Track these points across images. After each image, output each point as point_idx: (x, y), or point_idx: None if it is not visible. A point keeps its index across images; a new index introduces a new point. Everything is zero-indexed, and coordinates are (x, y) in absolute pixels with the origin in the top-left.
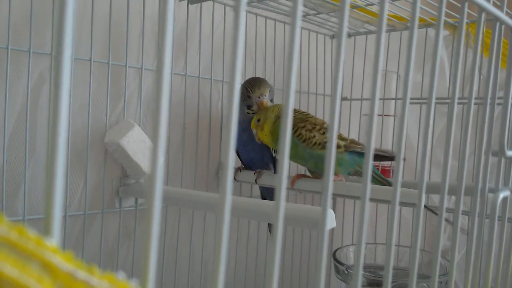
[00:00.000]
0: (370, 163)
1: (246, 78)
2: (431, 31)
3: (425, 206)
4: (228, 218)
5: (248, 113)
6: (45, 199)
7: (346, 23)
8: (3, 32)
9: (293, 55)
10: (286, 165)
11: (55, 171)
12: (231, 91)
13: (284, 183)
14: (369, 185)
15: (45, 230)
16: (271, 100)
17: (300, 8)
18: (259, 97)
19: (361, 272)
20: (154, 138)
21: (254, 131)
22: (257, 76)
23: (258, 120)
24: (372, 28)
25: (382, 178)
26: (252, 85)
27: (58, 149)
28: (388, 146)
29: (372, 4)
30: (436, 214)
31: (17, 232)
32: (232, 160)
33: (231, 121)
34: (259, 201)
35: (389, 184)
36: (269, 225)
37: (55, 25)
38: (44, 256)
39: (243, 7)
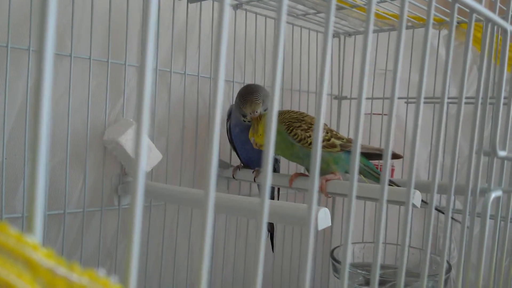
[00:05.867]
0: (357, 161)
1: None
2: (431, 31)
3: (422, 201)
4: (212, 213)
5: (244, 121)
6: (28, 197)
7: (332, 19)
8: (3, 30)
9: (278, 46)
10: (270, 159)
11: (37, 168)
12: (215, 89)
13: (269, 177)
14: (355, 183)
15: (27, 227)
16: (266, 110)
17: (285, 4)
18: (250, 113)
19: (347, 270)
20: (138, 120)
21: (251, 139)
22: (255, 82)
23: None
24: (372, 27)
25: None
26: (245, 100)
27: (40, 145)
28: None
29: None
30: (426, 203)
31: None
32: (216, 157)
33: (215, 119)
34: (250, 198)
35: (389, 182)
36: (271, 230)
37: (37, 20)
38: (25, 253)
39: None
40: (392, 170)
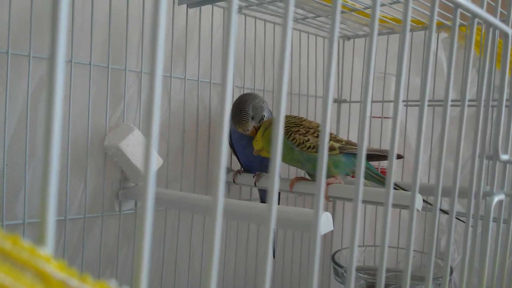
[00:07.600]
0: (362, 166)
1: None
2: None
3: (424, 201)
4: (220, 218)
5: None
6: (40, 208)
7: (337, 24)
8: (3, 36)
9: (285, 54)
10: (278, 164)
11: (49, 182)
12: (223, 94)
13: (277, 183)
14: (361, 187)
15: (40, 239)
16: (262, 119)
17: (292, 10)
18: (243, 133)
19: (353, 274)
20: (147, 133)
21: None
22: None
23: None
24: (376, 32)
25: (382, 177)
26: (234, 121)
27: (52, 159)
28: (387, 148)
29: (371, 7)
30: (430, 204)
31: (11, 242)
32: (224, 164)
33: (223, 124)
34: (253, 203)
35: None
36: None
37: (50, 27)
38: (38, 265)
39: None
40: None
